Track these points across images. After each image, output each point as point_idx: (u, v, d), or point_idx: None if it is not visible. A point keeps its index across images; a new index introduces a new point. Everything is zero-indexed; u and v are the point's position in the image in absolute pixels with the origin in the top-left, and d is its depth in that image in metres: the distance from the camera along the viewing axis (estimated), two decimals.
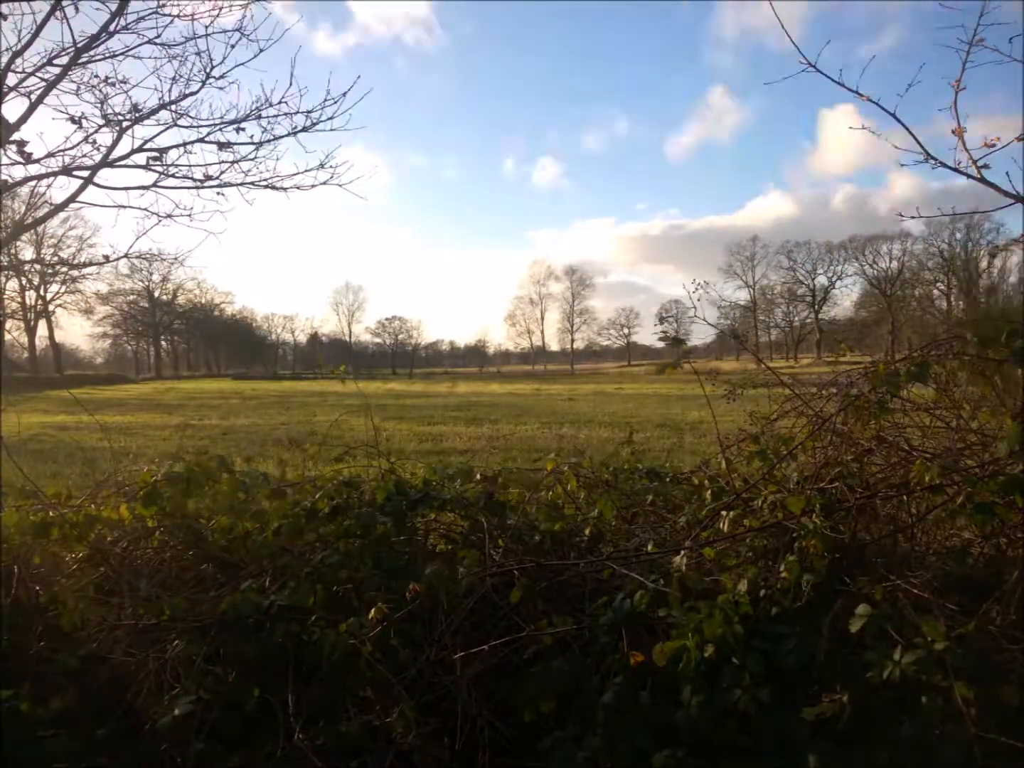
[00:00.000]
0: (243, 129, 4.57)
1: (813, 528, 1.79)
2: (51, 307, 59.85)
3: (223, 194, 4.69)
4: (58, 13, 4.04)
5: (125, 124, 4.47)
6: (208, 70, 4.46)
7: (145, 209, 4.76)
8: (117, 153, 4.51)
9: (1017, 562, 1.69)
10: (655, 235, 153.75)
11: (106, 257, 5.67)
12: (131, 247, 5.04)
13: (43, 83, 4.20)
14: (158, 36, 4.39)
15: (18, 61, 4.10)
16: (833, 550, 1.80)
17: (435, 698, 1.79)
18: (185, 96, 4.52)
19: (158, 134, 4.58)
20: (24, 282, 53.90)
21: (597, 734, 1.58)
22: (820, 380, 2.61)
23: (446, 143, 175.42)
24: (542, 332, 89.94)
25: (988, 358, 1.82)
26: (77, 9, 4.10)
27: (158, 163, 4.55)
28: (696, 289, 2.42)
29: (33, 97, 4.17)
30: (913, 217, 2.51)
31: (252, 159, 4.66)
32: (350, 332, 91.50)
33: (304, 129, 4.62)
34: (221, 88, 4.54)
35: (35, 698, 1.80)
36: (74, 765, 1.66)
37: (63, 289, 58.68)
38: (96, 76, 4.38)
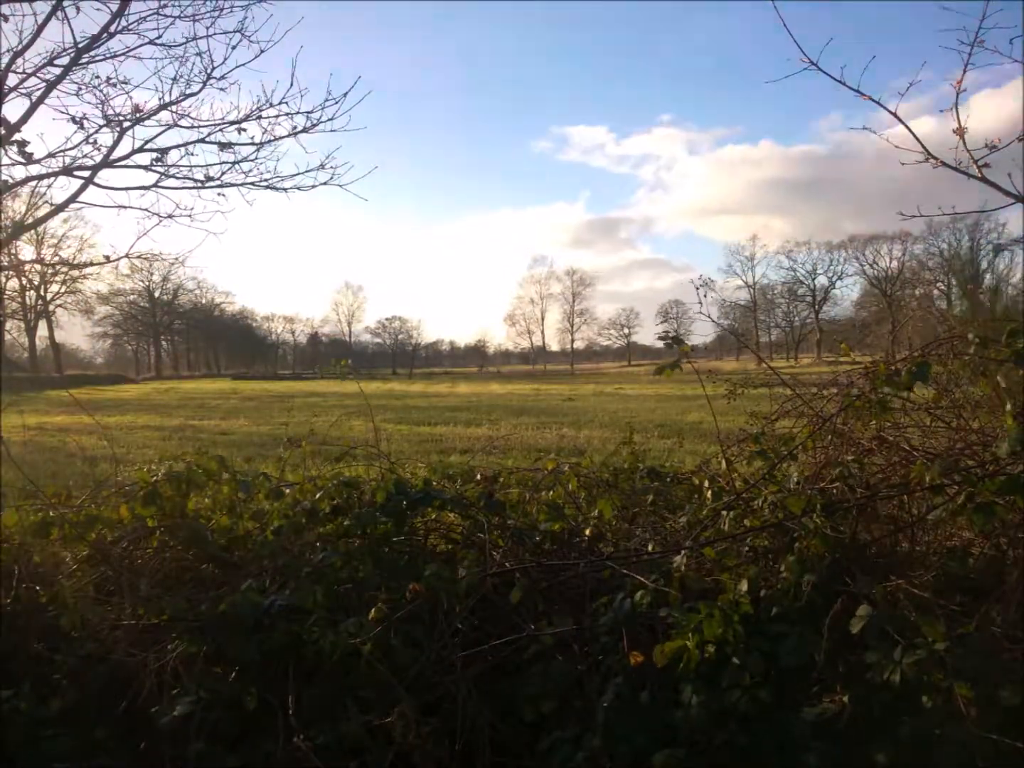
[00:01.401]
0: (244, 130, 4.59)
1: (813, 528, 1.79)
2: (51, 307, 59.93)
3: (224, 195, 4.70)
4: (59, 14, 4.04)
5: (126, 124, 4.47)
6: (209, 71, 4.47)
7: (146, 210, 4.76)
8: (118, 153, 4.53)
9: (1018, 562, 1.69)
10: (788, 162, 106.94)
11: (107, 257, 5.67)
12: (132, 247, 5.05)
13: (44, 83, 4.21)
14: (159, 37, 4.40)
15: (19, 61, 4.11)
16: (833, 550, 1.80)
17: (435, 698, 1.79)
18: (186, 97, 4.53)
19: (159, 135, 4.59)
20: (24, 282, 53.89)
21: (597, 734, 1.57)
22: (820, 380, 2.61)
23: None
24: (542, 332, 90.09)
25: (989, 358, 1.82)
26: (78, 10, 4.11)
27: (159, 163, 4.56)
28: (701, 286, 2.42)
29: (34, 97, 4.18)
30: (914, 216, 2.51)
31: (253, 160, 4.67)
32: (350, 332, 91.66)
33: (304, 130, 4.63)
34: (222, 89, 4.55)
35: (35, 698, 1.81)
36: (74, 765, 1.67)
37: (63, 289, 58.75)
38: (97, 77, 4.40)
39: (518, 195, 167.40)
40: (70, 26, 4.09)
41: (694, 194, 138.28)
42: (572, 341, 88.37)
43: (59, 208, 5.11)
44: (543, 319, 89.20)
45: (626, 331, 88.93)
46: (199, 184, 4.66)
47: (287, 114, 4.56)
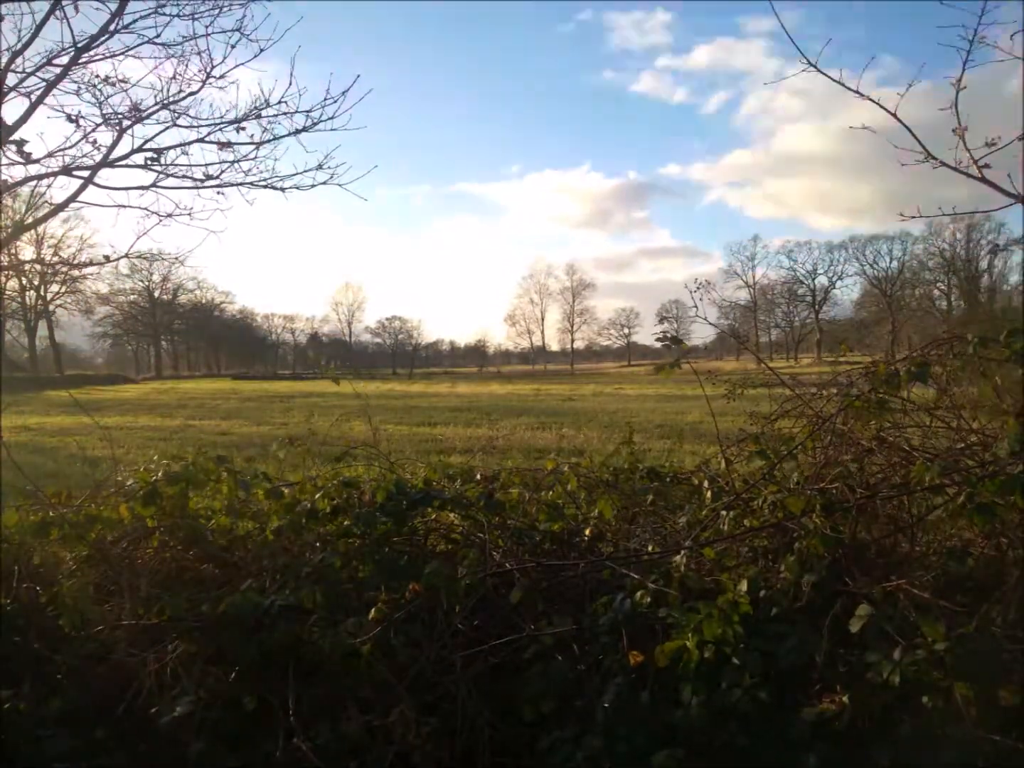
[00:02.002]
0: (243, 129, 4.58)
1: (813, 528, 1.79)
2: (51, 307, 59.89)
3: (223, 193, 4.69)
4: (58, 13, 4.04)
5: (125, 124, 4.47)
6: (208, 70, 4.46)
7: (145, 209, 4.76)
8: (117, 153, 4.52)
9: (1018, 562, 1.69)
10: None
11: (106, 257, 5.67)
12: (131, 247, 5.04)
13: (43, 83, 4.20)
14: (158, 36, 4.39)
15: (18, 61, 4.11)
16: (833, 550, 1.80)
17: (435, 698, 1.79)
18: (185, 96, 4.52)
19: (158, 134, 4.59)
20: (24, 282, 53.85)
21: (597, 734, 1.58)
22: (820, 380, 2.61)
23: None
24: (542, 332, 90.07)
25: (989, 358, 1.82)
26: (77, 9, 4.11)
27: (158, 163, 4.55)
28: (698, 288, 2.43)
29: (33, 97, 4.18)
30: (914, 217, 2.51)
31: (252, 159, 4.67)
32: (350, 332, 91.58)
33: (304, 129, 4.62)
34: (221, 88, 4.55)
35: (35, 698, 1.80)
36: (74, 765, 1.66)
37: (63, 289, 58.70)
38: (96, 76, 4.39)
39: (530, 149, 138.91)
40: (69, 25, 4.09)
41: (763, 142, 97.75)
42: (572, 341, 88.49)
43: (59, 208, 5.11)
44: (543, 319, 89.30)
45: (626, 331, 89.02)
46: (198, 183, 4.66)
47: (286, 113, 4.55)
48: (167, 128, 4.58)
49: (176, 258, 6.70)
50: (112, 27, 4.24)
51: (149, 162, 4.53)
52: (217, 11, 4.39)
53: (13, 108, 4.27)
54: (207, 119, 4.58)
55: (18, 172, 4.43)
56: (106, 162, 4.50)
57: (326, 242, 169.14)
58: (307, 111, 4.56)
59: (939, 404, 2.25)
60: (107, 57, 4.39)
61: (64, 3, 4.02)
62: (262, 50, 4.46)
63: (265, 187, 4.75)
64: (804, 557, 1.79)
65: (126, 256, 5.33)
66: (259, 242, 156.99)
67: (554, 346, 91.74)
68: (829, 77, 2.43)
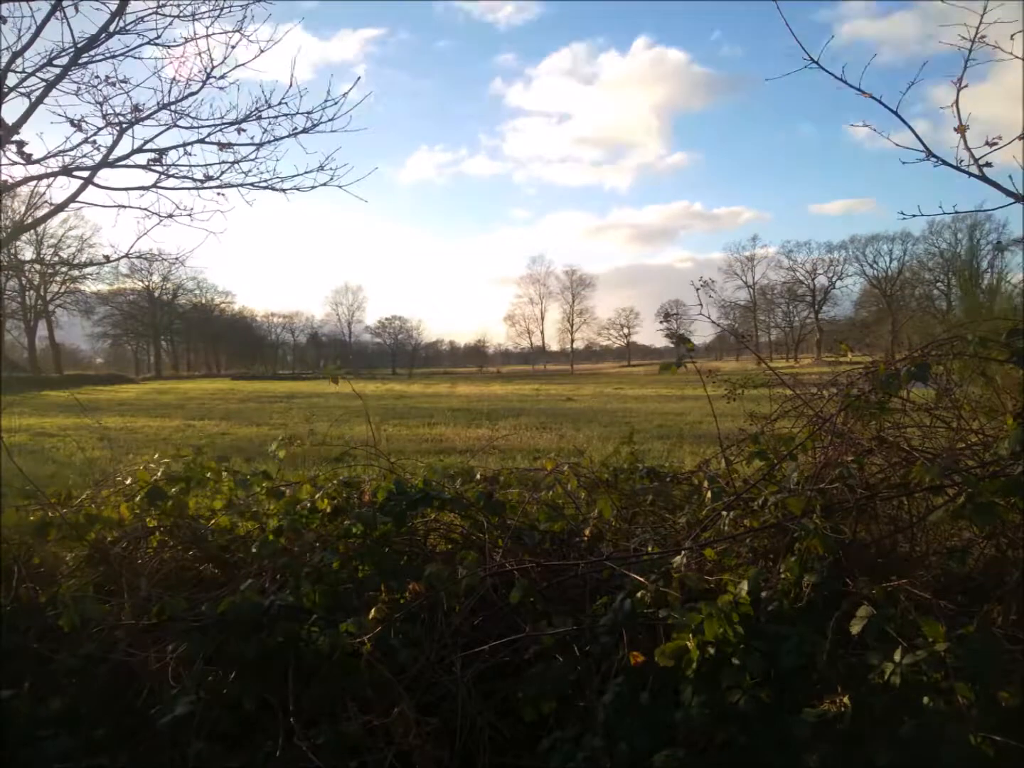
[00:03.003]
0: (244, 130, 4.57)
1: (813, 528, 1.79)
2: (51, 307, 59.91)
3: (223, 194, 4.68)
4: (58, 13, 4.03)
5: (125, 124, 4.46)
6: (208, 70, 4.46)
7: (145, 209, 4.75)
8: (117, 153, 4.51)
9: (1018, 563, 1.69)
10: None
11: (106, 257, 5.67)
12: (132, 247, 5.03)
13: (43, 83, 4.20)
14: (158, 37, 4.39)
15: (18, 61, 4.10)
16: (834, 551, 1.80)
17: (435, 698, 1.79)
18: (185, 96, 4.51)
19: (158, 134, 4.57)
20: (24, 282, 53.86)
21: (597, 734, 1.57)
22: (820, 380, 2.61)
23: None
24: (542, 332, 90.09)
25: (989, 358, 1.82)
26: (77, 9, 4.10)
27: (158, 163, 4.55)
28: (701, 286, 2.42)
29: (33, 97, 4.17)
30: (915, 216, 2.51)
31: (252, 160, 4.66)
32: (350, 332, 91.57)
33: (304, 130, 4.61)
34: (221, 88, 4.54)
35: (35, 698, 1.80)
36: (74, 765, 1.66)
37: (63, 289, 58.73)
38: (96, 76, 4.38)
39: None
40: (69, 26, 4.08)
41: None
42: (572, 341, 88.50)
43: (59, 208, 5.10)
44: (543, 319, 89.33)
45: (626, 331, 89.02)
46: (199, 184, 4.65)
47: (287, 114, 4.55)
48: (167, 129, 4.58)
49: (176, 258, 6.68)
50: (112, 28, 4.24)
51: (150, 162, 4.53)
52: (218, 12, 4.39)
53: (13, 108, 4.27)
54: (207, 120, 4.58)
55: (18, 172, 4.42)
56: (106, 162, 4.49)
57: (326, 242, 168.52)
58: (307, 112, 4.56)
59: (939, 404, 2.25)
60: (107, 58, 4.38)
61: (64, 3, 4.02)
62: (262, 51, 4.45)
63: (266, 188, 4.75)
64: (804, 557, 1.79)
65: (126, 256, 5.32)
66: (259, 242, 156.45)
67: (554, 346, 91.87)
68: (831, 74, 2.43)
